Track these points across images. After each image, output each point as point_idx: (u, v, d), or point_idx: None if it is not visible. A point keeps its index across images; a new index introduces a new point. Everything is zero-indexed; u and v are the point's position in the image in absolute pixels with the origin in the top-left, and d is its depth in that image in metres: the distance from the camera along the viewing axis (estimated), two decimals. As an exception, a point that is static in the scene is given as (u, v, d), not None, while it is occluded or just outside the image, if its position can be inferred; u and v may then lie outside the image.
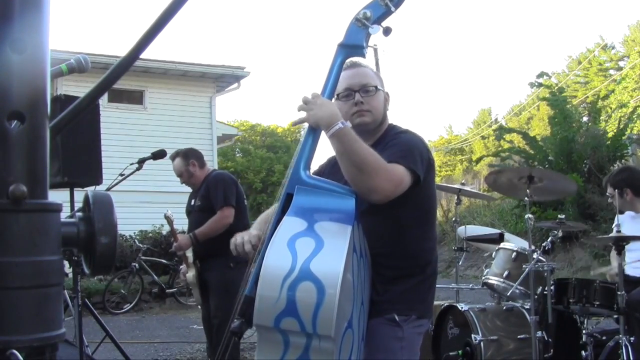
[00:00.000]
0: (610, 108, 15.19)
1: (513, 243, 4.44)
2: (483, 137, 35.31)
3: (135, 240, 10.78)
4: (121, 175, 4.46)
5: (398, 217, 2.11)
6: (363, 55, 2.04)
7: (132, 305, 9.78)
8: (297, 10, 76.10)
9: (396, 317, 2.06)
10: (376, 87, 2.23)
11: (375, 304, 2.07)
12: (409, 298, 2.10)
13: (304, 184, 1.97)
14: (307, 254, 1.76)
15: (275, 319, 1.71)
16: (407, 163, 2.01)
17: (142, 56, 0.87)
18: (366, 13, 1.97)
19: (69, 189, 3.72)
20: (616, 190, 3.97)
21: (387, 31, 2.00)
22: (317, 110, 1.95)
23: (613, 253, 4.30)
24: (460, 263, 5.08)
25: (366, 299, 2.01)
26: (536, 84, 14.08)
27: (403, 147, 2.09)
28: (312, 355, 1.71)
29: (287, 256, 1.77)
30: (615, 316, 3.72)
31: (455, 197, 5.06)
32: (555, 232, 4.23)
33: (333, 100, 2.07)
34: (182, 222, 4.94)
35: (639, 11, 50.06)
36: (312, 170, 2.05)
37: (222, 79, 15.35)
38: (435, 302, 3.76)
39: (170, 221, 4.74)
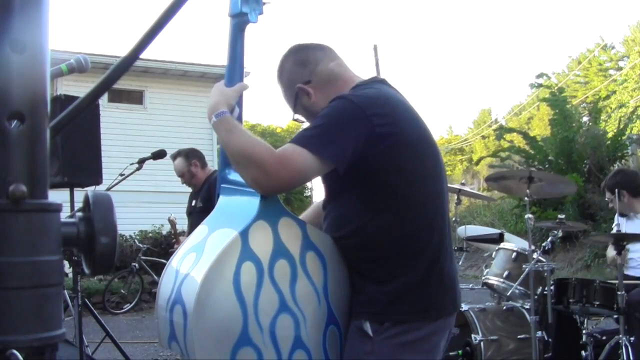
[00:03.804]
0: (610, 108, 15.18)
1: (513, 243, 4.43)
2: (483, 137, 35.33)
3: (135, 240, 10.77)
4: (121, 175, 4.46)
5: (350, 202, 1.77)
6: (250, 20, 1.84)
7: (132, 305, 9.77)
8: (296, 11, 76.14)
9: (366, 326, 1.72)
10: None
11: (352, 305, 1.78)
12: (383, 300, 1.72)
13: (227, 182, 1.86)
14: (184, 273, 1.66)
15: (167, 341, 1.67)
16: (303, 142, 1.66)
17: (142, 56, 0.87)
18: None
19: (69, 189, 3.73)
20: (615, 191, 3.97)
21: None
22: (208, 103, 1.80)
23: (610, 248, 4.30)
24: (460, 263, 5.07)
25: (338, 306, 1.77)
26: (536, 84, 14.09)
27: (313, 123, 1.75)
28: None
29: (172, 275, 1.69)
30: (615, 316, 3.72)
31: (455, 197, 5.06)
32: (555, 232, 4.22)
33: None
34: (182, 223, 4.94)
35: (639, 11, 50.06)
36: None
37: (222, 79, 15.29)
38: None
39: (173, 225, 4.74)
